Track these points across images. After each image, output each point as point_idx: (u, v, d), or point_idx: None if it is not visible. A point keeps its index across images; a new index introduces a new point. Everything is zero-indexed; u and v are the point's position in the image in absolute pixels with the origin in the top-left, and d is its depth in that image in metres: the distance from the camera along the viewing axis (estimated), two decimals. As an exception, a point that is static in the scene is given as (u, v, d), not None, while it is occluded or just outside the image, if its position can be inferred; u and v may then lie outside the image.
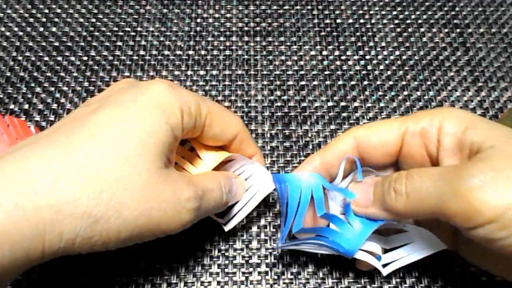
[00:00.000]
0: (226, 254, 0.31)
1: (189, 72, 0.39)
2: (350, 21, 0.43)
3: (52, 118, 0.37)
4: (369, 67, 0.40)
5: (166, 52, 0.40)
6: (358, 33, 0.42)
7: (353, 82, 0.39)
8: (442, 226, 0.25)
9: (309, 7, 0.44)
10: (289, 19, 0.43)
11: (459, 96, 0.38)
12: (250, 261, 0.31)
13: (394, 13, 0.43)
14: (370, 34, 0.42)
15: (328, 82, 0.39)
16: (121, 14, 0.43)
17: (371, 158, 0.27)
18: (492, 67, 0.40)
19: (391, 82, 0.39)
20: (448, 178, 0.21)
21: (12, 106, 0.37)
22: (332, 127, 0.37)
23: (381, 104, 0.38)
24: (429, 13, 0.43)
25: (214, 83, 0.39)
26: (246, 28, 0.42)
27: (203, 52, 0.41)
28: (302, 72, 0.39)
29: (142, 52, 0.40)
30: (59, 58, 0.40)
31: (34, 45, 0.41)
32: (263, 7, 0.44)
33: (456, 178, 0.20)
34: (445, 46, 0.41)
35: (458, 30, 0.42)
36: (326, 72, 0.39)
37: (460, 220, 0.20)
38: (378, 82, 0.39)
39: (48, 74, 0.39)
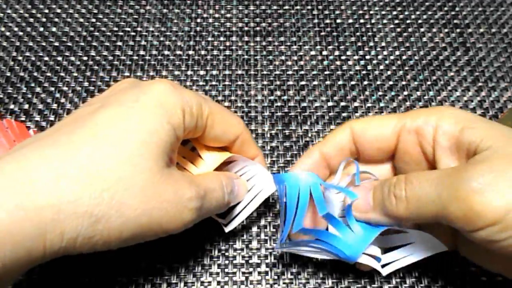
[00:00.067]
0: (226, 254, 0.31)
1: (189, 72, 0.39)
2: (350, 21, 0.43)
3: (52, 118, 0.37)
4: (369, 67, 0.40)
5: (166, 52, 0.41)
6: (358, 33, 0.42)
7: (353, 82, 0.39)
8: (441, 227, 0.25)
9: (309, 7, 0.44)
10: (289, 19, 0.43)
11: (459, 96, 0.38)
12: (250, 261, 0.31)
13: (394, 13, 0.43)
14: (370, 34, 0.42)
15: (328, 82, 0.39)
16: (121, 14, 0.43)
17: (366, 151, 0.27)
18: (492, 67, 0.40)
19: (391, 82, 0.39)
20: (448, 182, 0.21)
21: (12, 106, 0.37)
22: (332, 127, 0.37)
23: (381, 104, 0.38)
24: (429, 13, 0.43)
25: (214, 83, 0.39)
26: (246, 28, 0.42)
27: (203, 52, 0.41)
28: (302, 72, 0.39)
29: (142, 52, 0.40)
30: (59, 58, 0.40)
31: (34, 45, 0.41)
32: (263, 7, 0.44)
33: (455, 181, 0.20)
34: (445, 46, 0.41)
35: (458, 30, 0.42)
36: (326, 72, 0.39)
37: (462, 224, 0.20)
38: (378, 82, 0.39)
39: (48, 74, 0.39)
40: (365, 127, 0.26)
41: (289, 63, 0.40)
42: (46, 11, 0.43)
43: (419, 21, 0.43)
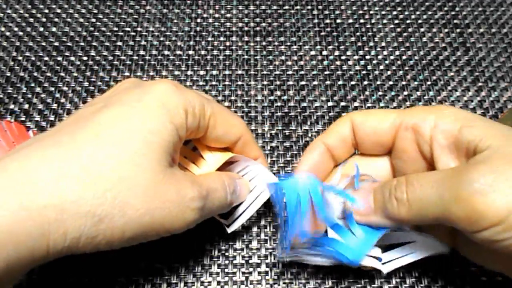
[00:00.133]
0: (226, 254, 0.31)
1: (189, 72, 0.39)
2: (350, 21, 0.43)
3: (52, 118, 0.37)
4: (369, 67, 0.40)
5: (166, 52, 0.40)
6: (358, 33, 0.42)
7: (353, 82, 0.39)
8: (440, 227, 0.25)
9: (309, 7, 0.44)
10: (289, 19, 0.43)
11: (459, 96, 0.38)
12: (250, 261, 0.31)
13: (394, 13, 0.43)
14: (370, 34, 0.42)
15: (328, 82, 0.39)
16: (121, 14, 0.43)
17: (364, 144, 0.27)
18: (492, 67, 0.40)
19: (391, 82, 0.39)
20: (449, 183, 0.21)
21: (12, 106, 0.37)
22: (332, 127, 0.36)
23: (381, 104, 0.38)
24: (429, 13, 0.43)
25: (214, 83, 0.39)
26: (246, 28, 0.42)
27: (203, 52, 0.41)
28: (302, 72, 0.39)
29: (142, 52, 0.40)
30: (59, 58, 0.40)
31: (34, 45, 0.41)
32: (263, 7, 0.44)
33: (457, 183, 0.20)
34: (445, 46, 0.41)
35: (458, 30, 0.42)
36: (326, 72, 0.39)
37: (465, 225, 0.20)
38: (378, 82, 0.39)
39: (48, 74, 0.39)
40: (364, 119, 0.26)
41: (289, 63, 0.40)
42: (46, 11, 0.43)
43: (419, 21, 0.43)
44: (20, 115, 0.37)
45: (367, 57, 0.40)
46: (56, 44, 0.41)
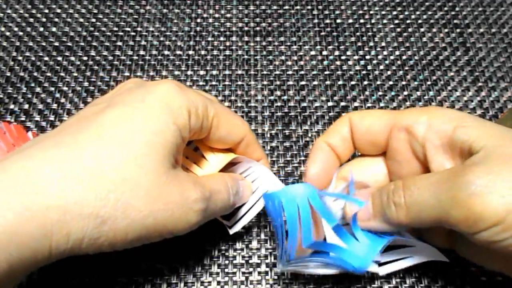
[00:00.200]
0: (226, 254, 0.31)
1: (189, 72, 0.39)
2: (350, 21, 0.43)
3: (52, 118, 0.37)
4: (369, 67, 0.40)
5: (166, 52, 0.40)
6: (358, 33, 0.42)
7: (353, 82, 0.39)
8: (438, 227, 0.25)
9: (309, 7, 0.44)
10: (289, 19, 0.43)
11: (459, 96, 0.38)
12: (250, 261, 0.31)
13: (394, 13, 0.43)
14: (370, 34, 0.42)
15: (328, 82, 0.39)
16: (121, 14, 0.43)
17: (360, 144, 0.27)
18: (492, 67, 0.40)
19: (391, 82, 0.39)
20: (446, 186, 0.21)
21: (12, 106, 0.37)
22: (332, 127, 0.37)
23: (381, 104, 0.38)
24: (429, 13, 0.43)
25: (214, 83, 0.39)
26: (246, 28, 0.42)
27: (203, 52, 0.41)
28: (302, 72, 0.39)
29: (142, 52, 0.40)
30: (59, 58, 0.40)
31: (34, 45, 0.41)
32: (263, 7, 0.44)
33: (454, 185, 0.20)
34: (445, 46, 0.41)
35: (458, 30, 0.42)
36: (326, 72, 0.39)
37: (464, 227, 0.20)
38: (378, 82, 0.39)
39: (48, 74, 0.39)
40: (360, 118, 0.27)
41: (289, 63, 0.40)
42: (46, 11, 0.43)
43: (419, 21, 0.43)
44: (20, 115, 0.37)
45: (367, 57, 0.40)
46: (56, 44, 0.41)
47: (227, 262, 0.30)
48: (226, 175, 0.26)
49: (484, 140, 0.21)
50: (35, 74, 0.39)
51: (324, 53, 0.41)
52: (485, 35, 0.42)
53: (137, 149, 0.21)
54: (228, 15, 0.43)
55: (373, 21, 0.43)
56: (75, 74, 0.39)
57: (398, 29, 0.42)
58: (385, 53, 0.41)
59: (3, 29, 0.41)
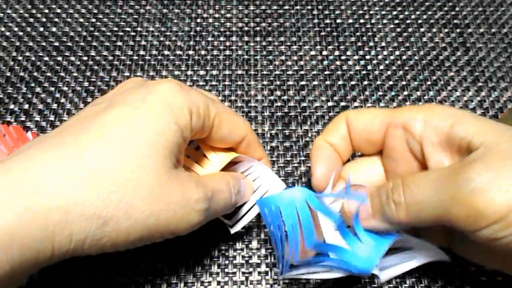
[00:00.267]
0: (226, 254, 0.31)
1: (189, 72, 0.39)
2: (350, 21, 0.43)
3: (52, 118, 0.37)
4: (369, 67, 0.40)
5: (166, 52, 0.40)
6: (358, 33, 0.42)
7: (353, 82, 0.39)
8: (436, 226, 0.25)
9: (309, 7, 0.44)
10: (289, 19, 0.43)
11: (459, 96, 0.38)
12: (250, 261, 0.31)
13: (394, 13, 0.43)
14: (370, 34, 0.42)
15: (328, 82, 0.39)
16: (121, 14, 0.43)
17: (357, 142, 0.27)
18: (492, 67, 0.40)
19: (391, 82, 0.39)
20: (447, 184, 0.21)
21: (12, 106, 0.37)
22: (332, 127, 0.36)
23: (381, 104, 0.38)
24: (429, 13, 0.43)
25: (214, 83, 0.39)
26: (246, 28, 0.42)
27: (203, 52, 0.41)
28: (302, 72, 0.39)
29: (142, 52, 0.40)
30: (59, 58, 0.40)
31: (34, 45, 0.41)
32: (263, 7, 0.44)
33: (454, 183, 0.20)
34: (445, 46, 0.41)
35: (458, 30, 0.42)
36: (326, 72, 0.39)
37: (464, 224, 0.20)
38: (378, 82, 0.39)
39: (48, 74, 0.39)
40: (357, 116, 0.27)
41: (289, 63, 0.40)
42: (46, 11, 0.43)
43: (419, 21, 0.43)
44: (20, 115, 0.37)
45: (367, 57, 0.40)
46: (56, 44, 0.41)
47: (227, 262, 0.30)
48: (228, 174, 0.26)
49: (483, 137, 0.21)
50: (35, 74, 0.39)
51: (324, 53, 0.41)
52: (485, 35, 0.42)
53: (138, 149, 0.21)
54: (228, 15, 0.43)
55: (373, 21, 0.43)
56: (75, 74, 0.39)
57: (398, 29, 0.42)
58: (385, 53, 0.41)
59: (3, 29, 0.41)
